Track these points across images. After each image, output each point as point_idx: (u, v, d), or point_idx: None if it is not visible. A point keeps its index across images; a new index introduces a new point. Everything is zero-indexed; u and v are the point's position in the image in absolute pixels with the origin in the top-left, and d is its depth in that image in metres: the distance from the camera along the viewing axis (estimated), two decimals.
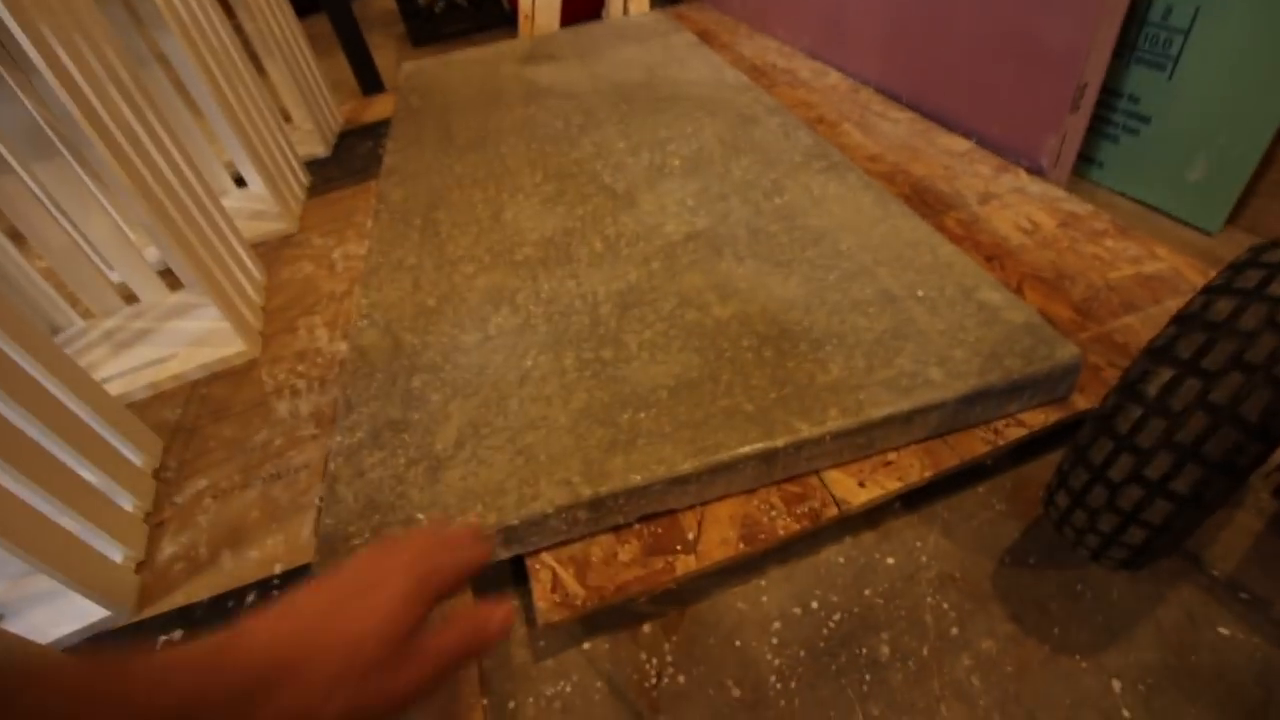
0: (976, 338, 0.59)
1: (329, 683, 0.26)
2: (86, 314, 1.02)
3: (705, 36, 1.57)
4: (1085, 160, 0.96)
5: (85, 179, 0.93)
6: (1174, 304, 0.67)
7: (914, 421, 0.55)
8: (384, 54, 2.09)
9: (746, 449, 0.52)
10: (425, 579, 0.30)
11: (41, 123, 0.86)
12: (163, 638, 0.58)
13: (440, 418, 0.60)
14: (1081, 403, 0.59)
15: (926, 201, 0.88)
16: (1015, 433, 0.57)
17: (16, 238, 0.95)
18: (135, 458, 0.73)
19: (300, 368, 0.85)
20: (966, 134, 1.02)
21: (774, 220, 0.77)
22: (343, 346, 0.85)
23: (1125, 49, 0.85)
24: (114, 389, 0.86)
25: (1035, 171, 0.92)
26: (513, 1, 1.93)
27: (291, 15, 1.45)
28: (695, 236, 0.77)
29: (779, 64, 1.38)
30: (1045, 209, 0.84)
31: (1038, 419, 0.58)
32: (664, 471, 0.52)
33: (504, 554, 0.53)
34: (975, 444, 0.57)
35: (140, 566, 0.65)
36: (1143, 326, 0.65)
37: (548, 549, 0.54)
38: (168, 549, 0.66)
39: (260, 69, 1.39)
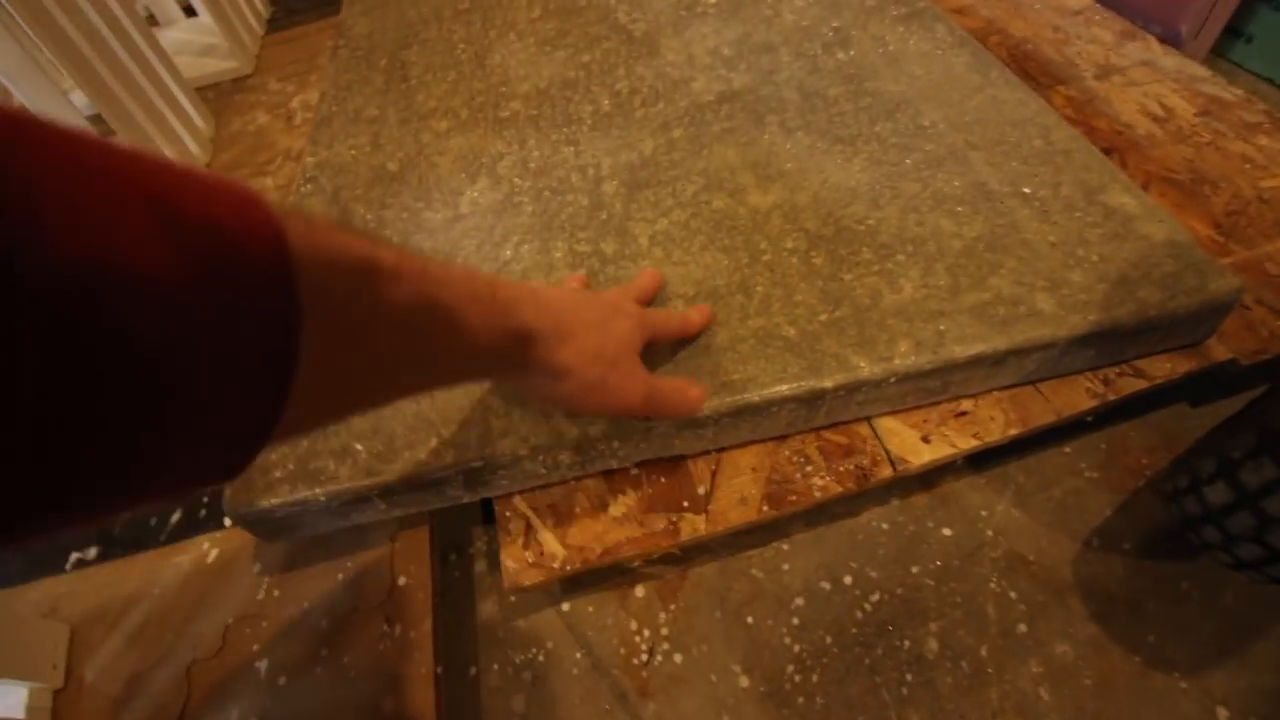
0: (1101, 256, 0.44)
1: (594, 360, 0.33)
2: None
3: None
4: (1229, 32, 0.76)
5: None
6: None
7: (1006, 364, 0.42)
8: None
9: (784, 389, 0.40)
10: (664, 331, 0.40)
11: None
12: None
13: None
14: (1219, 350, 0.46)
15: (1028, 71, 0.69)
16: (1131, 385, 0.44)
17: None
18: None
19: None
20: None
21: (835, 82, 0.60)
22: None
23: None
24: None
25: (1169, 41, 0.72)
26: None
27: None
28: (731, 98, 0.60)
29: None
30: (1181, 90, 0.65)
31: (1162, 368, 0.45)
32: None
33: (465, 496, 0.42)
34: (1078, 395, 0.44)
35: None
36: None
37: (521, 492, 0.43)
38: None
39: None
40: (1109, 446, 0.47)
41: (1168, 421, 0.49)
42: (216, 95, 0.94)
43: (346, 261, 0.20)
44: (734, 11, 0.70)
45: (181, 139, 0.80)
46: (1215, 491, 0.33)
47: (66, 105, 0.84)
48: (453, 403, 0.42)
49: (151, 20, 1.10)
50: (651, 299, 0.44)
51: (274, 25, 1.08)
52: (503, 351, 0.29)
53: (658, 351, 0.42)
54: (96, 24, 0.70)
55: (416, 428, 0.41)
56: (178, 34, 1.06)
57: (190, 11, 1.09)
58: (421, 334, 0.24)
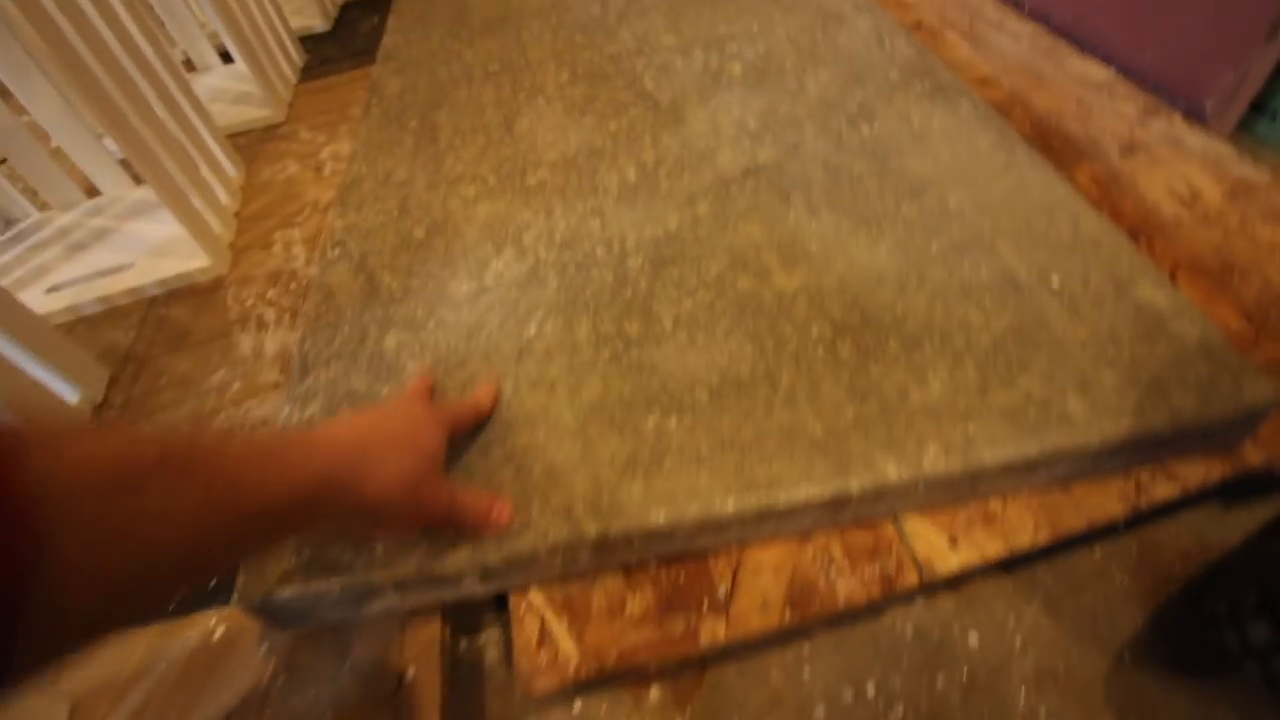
0: (1133, 356, 0.43)
1: (390, 450, 0.34)
2: (45, 206, 0.89)
3: None
4: (1252, 109, 0.75)
5: (32, 52, 0.77)
6: None
7: (1037, 469, 0.41)
8: None
9: (811, 491, 0.39)
10: (456, 420, 0.41)
11: None
12: None
13: None
14: (1254, 454, 0.44)
15: (1052, 146, 0.69)
16: (1164, 491, 0.43)
17: None
18: (71, 393, 0.62)
19: (271, 293, 0.72)
20: (1106, 59, 0.80)
21: (860, 158, 0.60)
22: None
23: None
24: (62, 300, 0.74)
25: (1194, 116, 0.72)
26: None
27: None
28: (756, 172, 0.60)
29: None
30: (1208, 171, 0.65)
31: (1195, 473, 0.44)
32: (696, 510, 0.39)
33: (481, 590, 0.41)
34: (1109, 500, 0.43)
35: None
36: None
37: (538, 586, 0.42)
38: None
39: None
40: (1140, 549, 0.46)
41: (1201, 523, 0.47)
42: (249, 142, 0.96)
43: (92, 475, 0.20)
44: (759, 82, 0.71)
45: (212, 187, 0.81)
46: (1258, 629, 0.32)
47: (101, 150, 0.86)
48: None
49: (189, 65, 1.13)
50: (471, 422, 0.43)
51: (307, 73, 1.11)
52: (304, 504, 0.29)
53: (686, 454, 0.41)
54: (130, 71, 0.71)
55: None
56: (213, 80, 1.09)
57: (227, 58, 1.13)
58: (202, 515, 0.24)
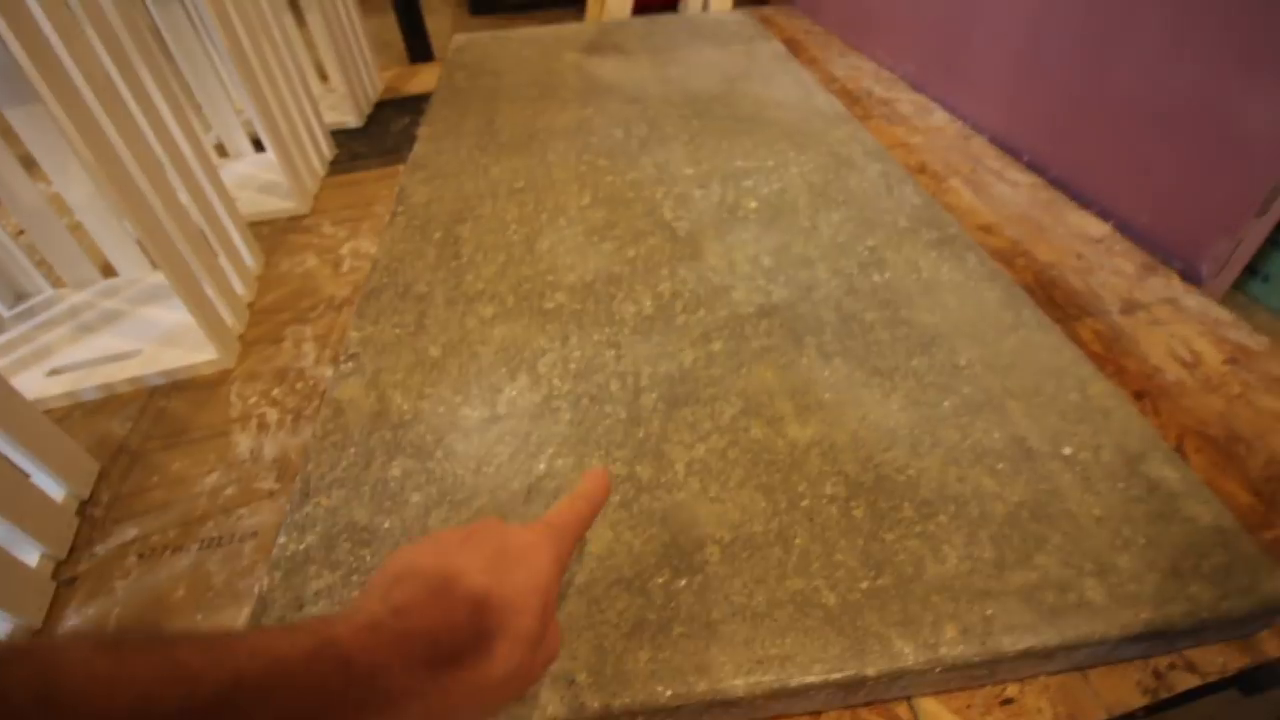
0: (1148, 539, 0.43)
1: (513, 646, 0.26)
2: (59, 282, 0.89)
3: (792, 47, 1.40)
4: (1247, 270, 0.79)
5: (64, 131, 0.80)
6: None
7: (1055, 656, 0.40)
8: (439, 19, 1.94)
9: (825, 673, 0.37)
10: (564, 558, 0.31)
11: (20, 64, 0.73)
12: None
13: (416, 531, 0.45)
14: (1272, 645, 0.43)
15: (1054, 299, 0.72)
16: (1184, 680, 0.42)
17: None
18: (58, 490, 0.60)
19: (276, 392, 0.71)
20: (1103, 215, 0.85)
21: (871, 305, 0.62)
22: (329, 372, 0.71)
23: None
24: (62, 384, 0.73)
25: (1190, 277, 0.75)
26: None
27: None
28: (770, 312, 0.62)
29: (876, 91, 1.21)
30: (1207, 335, 0.67)
31: (1214, 663, 0.42)
32: (704, 688, 0.37)
33: None
34: (1128, 690, 0.41)
35: (34, 637, 0.52)
36: None
37: None
38: (70, 620, 0.53)
39: (301, 21, 1.25)
40: None
41: (1220, 711, 0.46)
42: (271, 232, 0.98)
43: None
44: (773, 220, 0.74)
45: (228, 277, 0.82)
46: None
47: (122, 231, 0.87)
48: None
49: (221, 150, 1.17)
50: (583, 526, 0.35)
51: (336, 167, 1.15)
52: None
53: (696, 621, 0.40)
54: (159, 156, 0.73)
55: None
56: (243, 168, 1.13)
57: (259, 145, 1.17)
58: None
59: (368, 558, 0.44)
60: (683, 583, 0.42)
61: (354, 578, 0.43)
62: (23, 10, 0.57)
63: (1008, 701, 0.41)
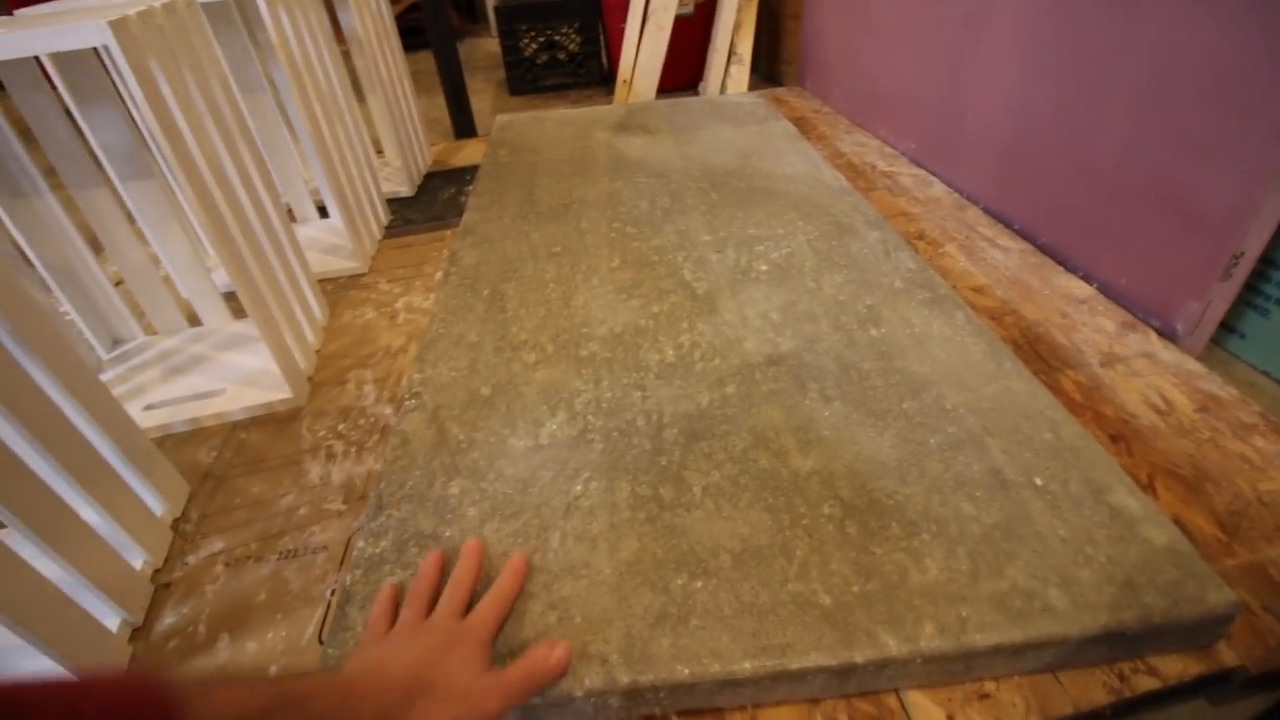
0: (1108, 557, 0.49)
1: (445, 704, 0.38)
2: (150, 329, 1.01)
3: (801, 125, 1.53)
4: (1224, 328, 0.86)
5: (169, 201, 0.93)
6: None
7: (1024, 655, 0.46)
8: (481, 99, 2.14)
9: (819, 659, 0.44)
10: (488, 638, 0.44)
11: (140, 145, 0.87)
12: None
13: (472, 538, 0.53)
14: (1229, 655, 0.49)
15: (1040, 353, 0.79)
16: (1145, 684, 0.47)
17: (96, 246, 0.95)
18: (157, 505, 0.69)
19: (341, 427, 0.81)
20: (1087, 278, 0.93)
21: (868, 356, 0.70)
22: (387, 410, 0.81)
23: None
24: (157, 418, 0.83)
25: (1167, 335, 0.82)
26: (613, 64, 1.95)
27: (399, 52, 1.48)
28: (777, 361, 0.70)
29: (879, 165, 1.33)
30: (1180, 385, 0.74)
31: (1174, 669, 0.48)
32: (717, 669, 0.44)
33: None
34: (1094, 689, 0.47)
35: (135, 634, 0.60)
36: None
37: None
38: (168, 618, 0.61)
39: (361, 100, 1.41)
40: None
41: (1188, 719, 0.50)
42: (334, 288, 1.10)
43: (231, 705, 0.29)
44: (782, 280, 0.83)
45: (301, 325, 0.93)
46: None
47: (209, 284, 0.99)
48: (517, 635, 0.47)
49: (291, 216, 1.32)
50: (498, 615, 0.46)
51: (390, 231, 1.29)
52: None
53: (710, 615, 0.47)
54: (251, 219, 0.85)
55: None
56: (310, 231, 1.26)
57: (323, 212, 1.31)
58: None
59: None
60: (699, 584, 0.49)
61: None
62: (162, 103, 0.70)
63: (985, 696, 0.47)
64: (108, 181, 0.89)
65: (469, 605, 0.47)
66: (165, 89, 0.71)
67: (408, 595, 0.48)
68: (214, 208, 0.77)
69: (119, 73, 0.68)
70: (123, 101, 0.84)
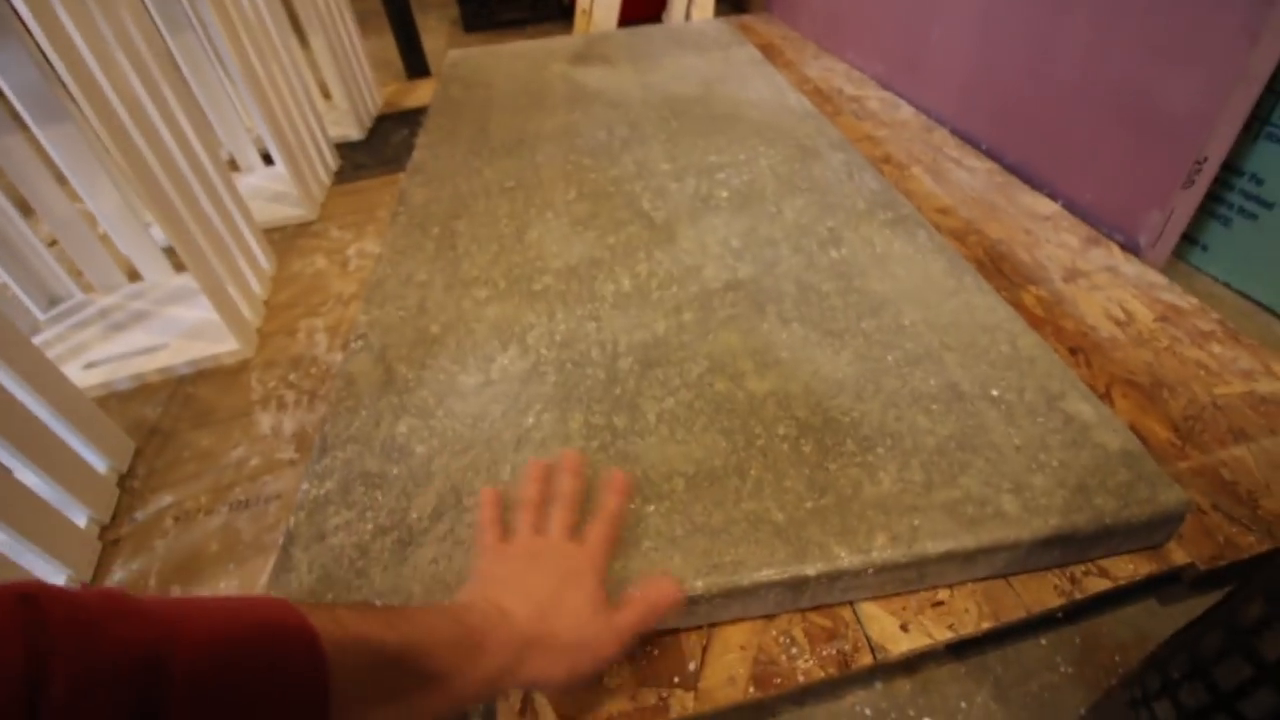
0: (1060, 461, 0.49)
1: (562, 655, 0.37)
2: (88, 287, 0.97)
3: (769, 52, 1.47)
4: (1187, 240, 0.85)
5: (95, 150, 0.87)
6: None
7: (976, 561, 0.46)
8: (435, 37, 2.03)
9: (771, 574, 0.44)
10: (605, 569, 0.42)
11: (54, 86, 0.81)
12: None
13: (421, 477, 0.52)
14: (1179, 554, 0.49)
15: (1002, 270, 0.78)
16: (1096, 585, 0.47)
17: (26, 206, 0.90)
18: (100, 463, 0.67)
19: (292, 376, 0.78)
20: (1052, 195, 0.91)
21: (828, 277, 0.68)
22: (340, 357, 0.78)
23: (1255, 121, 0.74)
24: (97, 376, 0.80)
25: (1130, 248, 0.81)
26: None
27: None
28: (736, 286, 0.68)
29: (846, 90, 1.28)
30: (1141, 296, 0.73)
31: (1124, 569, 0.48)
32: None
33: None
34: (1046, 593, 0.47)
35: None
36: (1257, 463, 0.55)
37: None
38: (117, 574, 0.59)
39: (305, 43, 1.33)
40: (1083, 641, 0.50)
41: (1139, 618, 0.51)
42: (282, 237, 1.06)
43: (363, 651, 0.28)
44: (743, 206, 0.80)
45: (246, 277, 0.90)
46: (1189, 693, 0.35)
47: (147, 239, 0.95)
48: (468, 567, 0.46)
49: (233, 165, 1.25)
50: (612, 540, 0.44)
51: (340, 177, 1.23)
52: (489, 687, 0.35)
53: (662, 537, 0.46)
54: (184, 169, 0.80)
55: (433, 588, 0.45)
56: (255, 180, 1.20)
57: (269, 159, 1.25)
58: (420, 697, 0.31)
59: (379, 497, 0.50)
60: (651, 508, 0.48)
61: (368, 514, 0.49)
62: (64, 35, 0.64)
63: (939, 604, 0.47)
64: (25, 129, 0.83)
65: (579, 522, 0.44)
66: (65, 18, 0.65)
67: (519, 505, 0.45)
68: (135, 151, 0.72)
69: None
70: (31, 36, 0.78)
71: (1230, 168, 0.77)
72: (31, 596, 0.18)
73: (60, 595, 0.19)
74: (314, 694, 0.25)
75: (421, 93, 1.54)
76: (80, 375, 0.80)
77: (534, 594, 0.38)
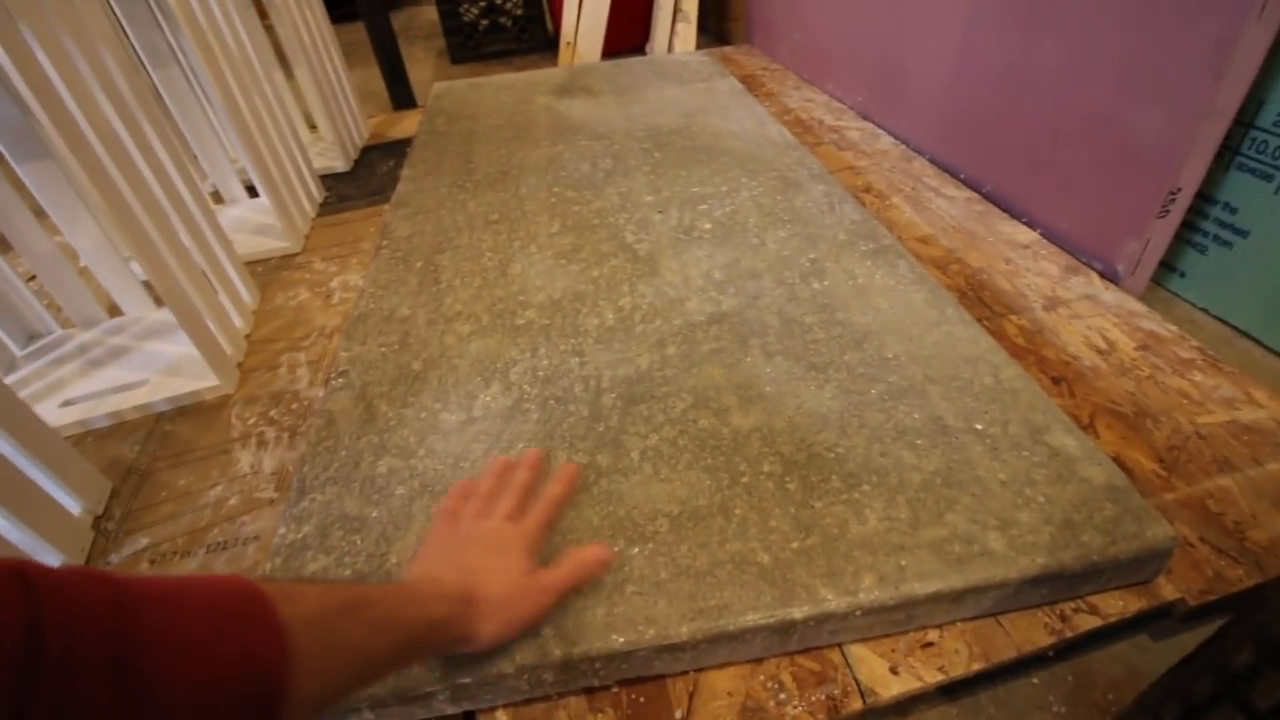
0: (1047, 497, 0.49)
1: (493, 609, 0.40)
2: (68, 323, 0.95)
3: (750, 83, 1.49)
4: (1165, 267, 0.86)
5: (74, 185, 0.87)
6: (1277, 468, 0.57)
7: (965, 600, 0.45)
8: (422, 68, 2.05)
9: (758, 618, 0.43)
10: (538, 540, 0.44)
11: (32, 121, 0.80)
12: None
13: (401, 519, 0.51)
14: (1168, 589, 0.49)
15: (983, 300, 0.78)
16: (1087, 622, 0.47)
17: (3, 241, 0.89)
18: (74, 505, 0.65)
19: (273, 413, 0.77)
20: (1031, 224, 0.92)
21: (811, 310, 0.68)
22: (322, 393, 0.77)
23: (1226, 152, 0.76)
24: (74, 414, 0.79)
25: (1109, 276, 0.82)
26: (557, 26, 1.88)
27: (324, 20, 1.40)
28: (720, 319, 0.68)
29: (827, 120, 1.30)
30: (1121, 325, 0.74)
31: (1114, 606, 0.48)
32: (654, 636, 0.42)
33: (451, 709, 0.43)
34: (1036, 631, 0.47)
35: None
36: (1243, 494, 0.55)
37: (505, 706, 0.44)
38: None
39: (290, 75, 1.34)
40: (1075, 679, 0.49)
41: (1130, 654, 0.51)
42: (266, 270, 1.05)
43: (318, 612, 0.29)
44: (725, 238, 0.81)
45: (227, 311, 0.89)
46: None
47: (126, 273, 0.94)
48: None
49: (217, 198, 1.25)
50: (548, 522, 0.47)
51: (325, 208, 1.23)
52: (435, 632, 0.37)
53: (647, 581, 0.46)
54: (162, 203, 0.79)
55: None
56: (238, 212, 1.20)
57: (253, 191, 1.25)
58: (375, 639, 0.33)
59: (358, 542, 0.49)
60: (635, 550, 0.47)
61: (346, 559, 0.48)
62: (41, 76, 0.64)
63: (928, 645, 0.46)
64: (3, 164, 0.83)
65: (526, 508, 0.46)
66: (40, 55, 0.65)
67: (474, 495, 0.47)
68: (112, 187, 0.71)
69: None
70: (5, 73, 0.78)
71: (1204, 197, 0.79)
72: (20, 570, 0.22)
73: (42, 568, 0.23)
74: (269, 619, 0.26)
75: (408, 124, 1.55)
76: (56, 414, 0.79)
77: (463, 565, 0.41)
